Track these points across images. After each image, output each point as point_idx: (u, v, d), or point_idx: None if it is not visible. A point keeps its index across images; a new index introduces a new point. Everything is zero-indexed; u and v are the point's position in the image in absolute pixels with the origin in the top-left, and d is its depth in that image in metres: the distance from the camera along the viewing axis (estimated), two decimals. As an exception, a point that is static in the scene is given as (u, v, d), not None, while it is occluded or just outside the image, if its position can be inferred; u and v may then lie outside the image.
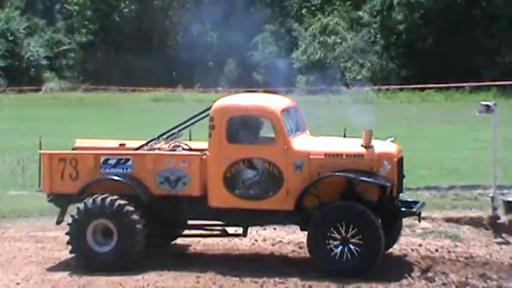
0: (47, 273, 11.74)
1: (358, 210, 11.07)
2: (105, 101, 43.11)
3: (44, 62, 56.60)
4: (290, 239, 13.20)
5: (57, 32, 60.50)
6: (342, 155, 11.40)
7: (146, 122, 30.91)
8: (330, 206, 11.24)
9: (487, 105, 13.58)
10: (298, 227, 12.90)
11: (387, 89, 43.40)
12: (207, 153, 11.64)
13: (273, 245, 13.05)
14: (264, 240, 13.18)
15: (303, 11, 52.87)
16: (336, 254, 11.10)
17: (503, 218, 13.62)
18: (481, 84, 39.99)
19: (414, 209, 11.75)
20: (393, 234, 11.98)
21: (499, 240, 13.22)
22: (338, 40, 49.41)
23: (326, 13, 51.38)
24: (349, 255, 11.06)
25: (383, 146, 11.56)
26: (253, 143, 11.57)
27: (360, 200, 11.23)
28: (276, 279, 11.16)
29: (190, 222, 12.27)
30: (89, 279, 11.36)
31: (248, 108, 11.72)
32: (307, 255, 12.57)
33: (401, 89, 42.90)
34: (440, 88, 40.99)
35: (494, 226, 13.46)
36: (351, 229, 11.05)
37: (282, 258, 12.41)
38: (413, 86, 41.03)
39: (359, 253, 11.04)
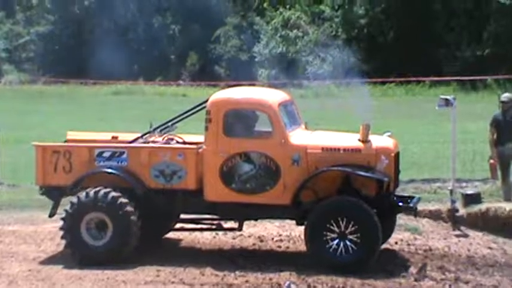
0: (4, 268, 11.61)
1: (356, 204, 11.06)
2: (66, 94, 42.75)
3: (3, 54, 55.95)
4: (251, 232, 13.20)
5: (16, 24, 59.80)
6: (339, 149, 11.37)
7: (107, 115, 30.74)
8: (328, 200, 11.20)
9: (447, 99, 13.68)
10: (259, 221, 12.95)
11: (348, 83, 43.57)
12: (204, 146, 11.57)
13: (233, 238, 13.05)
14: (225, 233, 13.16)
15: (265, 5, 52.84)
16: (334, 248, 11.08)
17: (462, 211, 13.75)
18: (441, 78, 40.33)
19: (411, 204, 11.79)
20: (388, 229, 11.98)
21: (458, 232, 13.35)
22: (300, 34, 49.48)
23: (288, 7, 51.41)
24: (346, 249, 11.06)
25: (380, 141, 11.56)
26: (250, 136, 11.52)
27: (357, 194, 11.22)
28: (237, 272, 11.16)
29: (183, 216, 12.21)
30: (47, 274, 11.27)
31: (245, 101, 11.65)
32: (267, 248, 12.62)
33: (361, 83, 43.05)
34: (401, 82, 41.26)
35: (453, 219, 13.58)
36: (348, 224, 11.03)
37: (243, 252, 12.41)
38: (374, 80, 41.22)
39: (357, 247, 11.03)
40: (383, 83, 41.53)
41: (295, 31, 49.56)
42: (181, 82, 47.98)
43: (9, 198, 16.56)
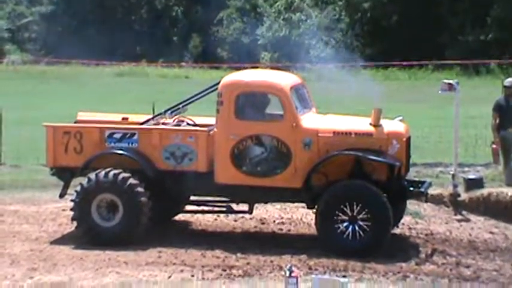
0: (6, 247, 11.63)
1: (368, 189, 11.04)
2: (68, 75, 42.66)
3: (6, 34, 55.88)
4: (252, 214, 13.19)
5: (18, 4, 59.69)
6: (350, 133, 11.35)
7: (110, 96, 30.70)
8: (340, 184, 11.18)
9: (450, 84, 13.65)
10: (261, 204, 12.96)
11: (351, 67, 43.44)
12: (215, 129, 11.54)
13: (235, 220, 13.06)
14: (227, 215, 13.16)
15: (268, -13, 52.66)
16: (344, 232, 11.05)
17: (464, 196, 13.75)
18: (444, 62, 40.24)
19: (422, 189, 11.78)
20: (398, 213, 11.95)
21: (459, 217, 13.36)
22: (303, 17, 49.34)
23: (291, -11, 51.23)
24: (357, 234, 11.03)
25: (392, 125, 11.55)
26: (261, 119, 11.49)
27: (368, 179, 11.19)
28: (238, 254, 11.18)
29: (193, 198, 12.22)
30: (49, 253, 11.30)
31: (257, 84, 11.61)
32: (269, 230, 12.64)
33: (364, 67, 42.99)
34: (404, 66, 41.16)
35: (455, 203, 13.59)
36: (360, 208, 11.01)
37: (244, 234, 12.43)
38: (376, 64, 41.14)
39: (367, 232, 11.01)
40: (386, 67, 41.44)
41: (298, 14, 49.42)
42: (183, 64, 47.89)
43: (12, 178, 16.59)
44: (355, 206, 11.05)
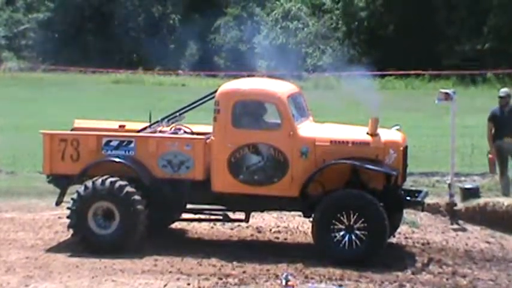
0: (2, 255, 11.61)
1: (365, 198, 11.04)
2: (65, 82, 42.63)
3: (3, 41, 55.86)
4: (249, 223, 13.20)
5: (16, 11, 59.68)
6: (347, 142, 11.36)
7: (107, 103, 30.71)
8: (337, 193, 11.18)
9: (447, 93, 13.67)
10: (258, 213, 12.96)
11: (348, 76, 43.49)
12: (212, 137, 11.55)
13: (231, 228, 13.06)
14: (223, 224, 13.16)
15: (265, -4, 52.77)
16: (341, 241, 11.06)
17: (460, 205, 13.76)
18: (440, 72, 40.31)
19: (418, 198, 11.79)
20: (395, 223, 11.96)
21: (456, 226, 13.36)
22: (300, 26, 49.43)
23: (288, -2, 51.33)
24: (353, 243, 11.04)
25: (389, 135, 11.57)
26: (258, 128, 11.51)
27: (364, 188, 11.20)
28: (234, 263, 11.17)
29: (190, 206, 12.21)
30: (45, 261, 11.29)
31: (254, 93, 11.64)
32: (265, 239, 12.63)
33: (362, 75, 42.98)
34: (401, 75, 41.22)
35: (451, 213, 13.59)
36: (356, 217, 11.00)
37: (241, 242, 12.43)
38: (373, 73, 41.19)
39: (364, 241, 11.01)
40: (382, 76, 41.51)
41: (295, 22, 49.50)
42: (180, 72, 47.89)
43: (8, 185, 16.58)
44: (351, 215, 11.05)
